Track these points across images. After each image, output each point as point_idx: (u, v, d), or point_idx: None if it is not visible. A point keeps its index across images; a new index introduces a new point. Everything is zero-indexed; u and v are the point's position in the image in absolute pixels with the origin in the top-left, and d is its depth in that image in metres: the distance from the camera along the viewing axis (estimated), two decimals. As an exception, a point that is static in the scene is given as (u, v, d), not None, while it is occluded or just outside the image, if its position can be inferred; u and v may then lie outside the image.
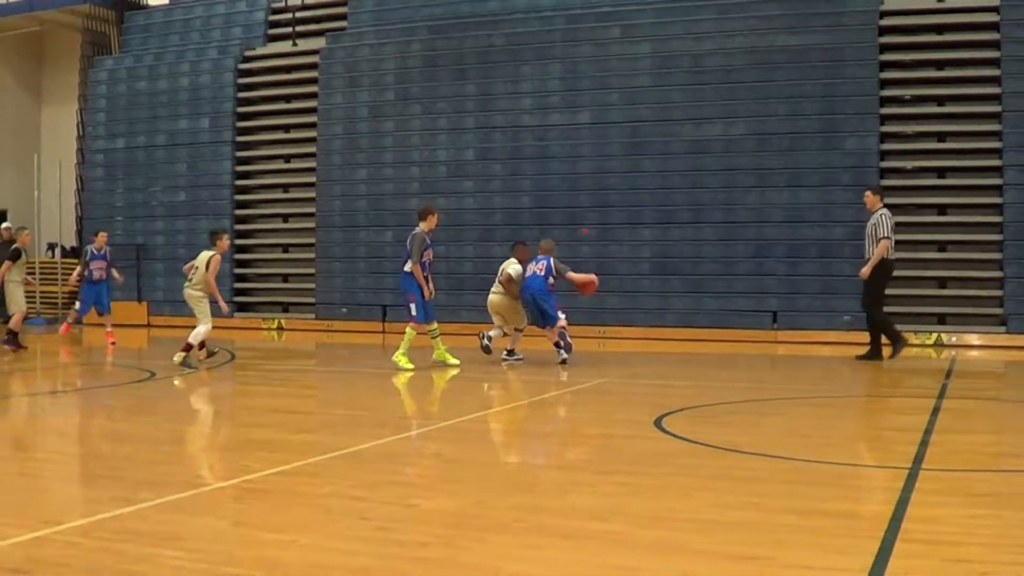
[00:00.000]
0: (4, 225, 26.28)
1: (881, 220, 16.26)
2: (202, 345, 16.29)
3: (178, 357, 15.47)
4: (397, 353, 14.95)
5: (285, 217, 26.42)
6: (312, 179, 25.54)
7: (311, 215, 25.54)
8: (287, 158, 26.57)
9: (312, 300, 25.24)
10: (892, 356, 16.55)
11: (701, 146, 22.11)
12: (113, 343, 19.64)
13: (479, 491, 6.96)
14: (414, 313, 14.86)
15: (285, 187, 26.57)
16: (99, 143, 28.17)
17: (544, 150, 23.29)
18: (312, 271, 25.39)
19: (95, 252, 20.20)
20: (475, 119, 23.97)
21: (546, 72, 23.55)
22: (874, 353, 16.61)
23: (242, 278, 26.17)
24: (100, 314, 20.23)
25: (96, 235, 20.66)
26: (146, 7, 29.60)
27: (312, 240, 25.44)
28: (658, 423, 9.54)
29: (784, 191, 21.39)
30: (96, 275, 20.06)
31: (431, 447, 8.96)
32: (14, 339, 18.41)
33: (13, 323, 18.67)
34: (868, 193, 16.89)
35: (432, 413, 11.54)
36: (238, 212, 26.50)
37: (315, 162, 25.48)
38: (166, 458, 8.37)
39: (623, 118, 22.75)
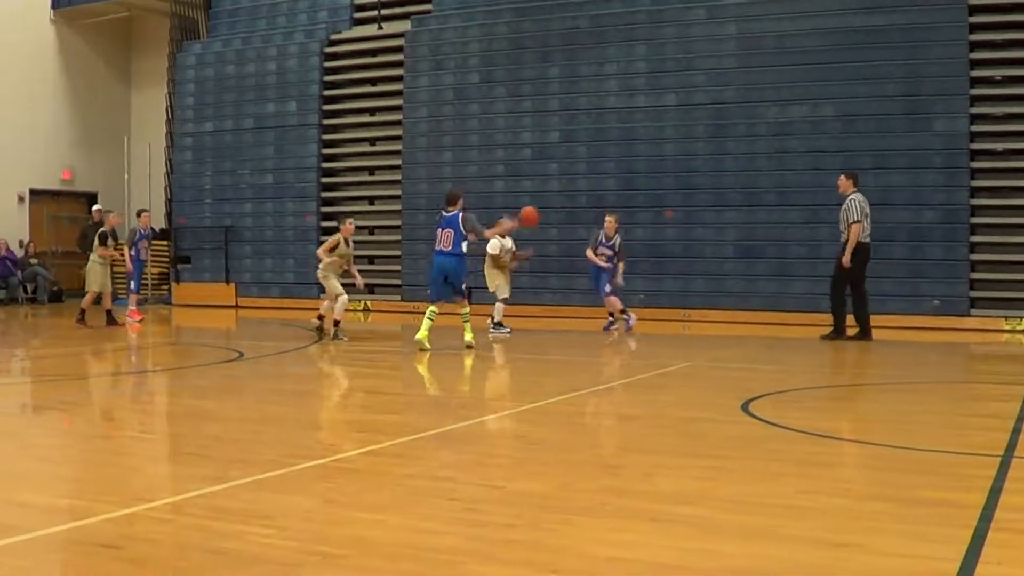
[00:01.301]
0: (95, 207, 26.73)
1: (852, 205, 16.73)
2: (322, 318, 17.23)
3: (331, 334, 16.42)
4: (468, 336, 15.54)
5: (371, 200, 26.58)
6: (398, 162, 25.67)
7: (397, 198, 25.68)
8: (373, 141, 26.73)
9: (398, 282, 25.38)
10: (823, 337, 17.22)
11: (786, 128, 21.93)
12: (140, 320, 20.07)
13: (565, 474, 6.96)
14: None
15: (371, 170, 26.76)
16: (188, 126, 28.53)
17: (629, 132, 23.21)
18: (398, 253, 25.52)
19: (142, 232, 20.52)
20: (560, 101, 23.94)
21: (631, 54, 23.45)
22: (838, 332, 17.26)
23: (328, 260, 26.37)
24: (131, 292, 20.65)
25: (140, 216, 21.01)
26: (233, -9, 29.85)
27: (398, 222, 25.58)
28: (745, 407, 9.49)
29: (871, 174, 21.08)
30: (143, 255, 20.43)
31: (516, 429, 8.96)
32: (82, 317, 19.18)
33: (85, 302, 19.30)
34: (842, 177, 17.34)
35: (517, 395, 11.52)
36: (325, 195, 26.71)
37: (400, 145, 25.61)
38: (254, 437, 8.46)
39: (708, 100, 22.63)
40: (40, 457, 7.91)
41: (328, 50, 27.03)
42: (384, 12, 26.99)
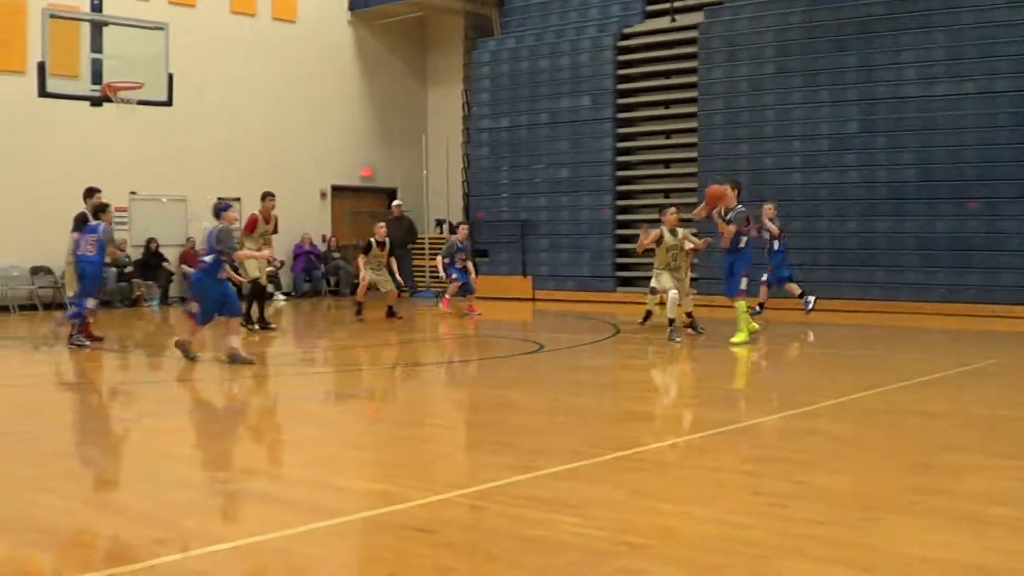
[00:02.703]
0: (396, 203, 27.63)
1: None
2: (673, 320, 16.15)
3: (668, 334, 15.46)
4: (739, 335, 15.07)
5: (666, 192, 26.53)
6: (693, 154, 25.52)
7: (692, 190, 25.56)
8: (668, 134, 26.69)
9: (695, 275, 25.24)
10: None
11: (1098, 113, 20.90)
12: (478, 314, 20.57)
13: (869, 470, 6.90)
14: (745, 287, 15.09)
15: (666, 163, 26.72)
16: (483, 122, 29.10)
17: (928, 121, 22.49)
18: (695, 247, 25.38)
19: (459, 244, 21.13)
20: (857, 91, 23.36)
21: (929, 41, 22.71)
22: None
23: (624, 253, 26.49)
24: (467, 294, 21.20)
25: (457, 228, 21.92)
26: (525, -12, 30.27)
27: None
28: (1056, 406, 9.19)
29: None
30: (458, 264, 21.02)
31: (817, 424, 8.86)
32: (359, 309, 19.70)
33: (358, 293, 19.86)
34: None
35: (815, 390, 11.31)
36: (620, 188, 26.83)
37: (696, 137, 25.45)
38: (557, 428, 8.65)
39: (1010, 87, 21.66)
40: (352, 444, 8.32)
41: (621, 44, 27.13)
42: (676, 4, 26.92)
